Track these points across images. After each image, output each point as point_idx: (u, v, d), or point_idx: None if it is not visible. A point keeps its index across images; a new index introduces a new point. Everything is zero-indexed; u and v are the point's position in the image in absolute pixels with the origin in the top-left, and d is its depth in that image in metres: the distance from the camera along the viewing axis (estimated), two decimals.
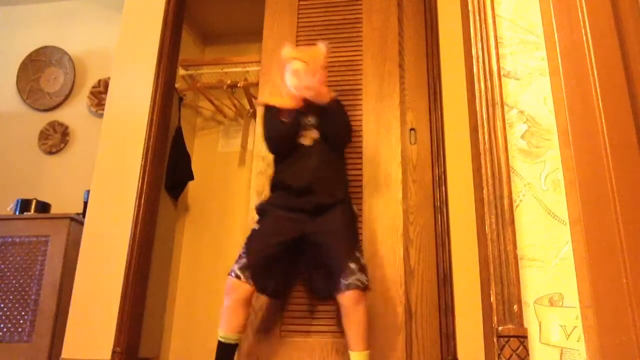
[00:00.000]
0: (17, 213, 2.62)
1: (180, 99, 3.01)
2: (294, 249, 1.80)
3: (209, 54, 3.40)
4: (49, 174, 3.12)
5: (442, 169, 1.94)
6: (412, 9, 2.30)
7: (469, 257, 1.54)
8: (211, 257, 2.97)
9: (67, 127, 3.19)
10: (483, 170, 1.40)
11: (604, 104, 1.31)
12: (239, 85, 2.95)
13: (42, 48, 3.38)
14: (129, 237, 2.09)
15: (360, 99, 2.18)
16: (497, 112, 1.44)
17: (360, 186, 2.06)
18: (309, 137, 1.86)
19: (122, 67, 2.36)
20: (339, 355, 1.84)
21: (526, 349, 1.24)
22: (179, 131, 2.93)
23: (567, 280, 1.29)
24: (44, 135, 3.20)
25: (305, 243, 1.79)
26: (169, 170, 2.77)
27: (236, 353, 1.74)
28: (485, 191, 1.38)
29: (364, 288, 1.67)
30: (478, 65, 1.49)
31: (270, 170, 2.04)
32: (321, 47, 1.91)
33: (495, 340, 1.26)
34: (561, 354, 1.25)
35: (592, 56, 1.35)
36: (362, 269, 1.69)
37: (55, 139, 3.18)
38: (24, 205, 2.64)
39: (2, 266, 2.44)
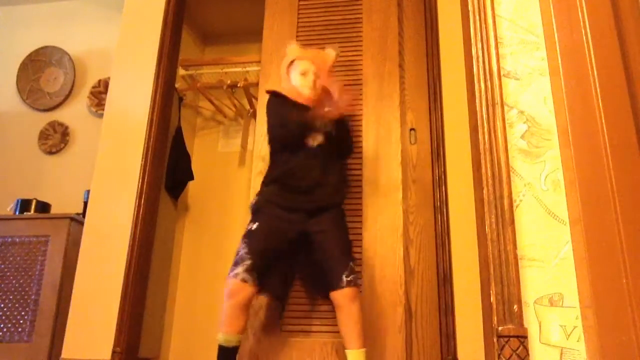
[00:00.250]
0: (17, 213, 2.62)
1: (180, 99, 3.01)
2: (293, 248, 1.81)
3: (209, 54, 3.41)
4: (49, 174, 3.12)
5: (442, 169, 1.94)
6: (412, 9, 2.30)
7: (469, 257, 1.54)
8: (211, 257, 2.97)
9: (67, 127, 3.19)
10: (483, 170, 1.40)
11: (604, 104, 1.31)
12: (239, 85, 2.95)
13: (42, 48, 3.38)
14: (129, 237, 2.09)
15: (360, 99, 2.18)
16: (497, 112, 1.44)
17: (360, 186, 2.06)
18: (316, 139, 1.84)
19: (122, 67, 2.36)
20: (339, 355, 1.84)
21: (526, 349, 1.24)
22: (179, 131, 2.94)
23: (567, 280, 1.29)
24: (44, 135, 3.20)
25: (302, 242, 1.79)
26: (169, 170, 2.77)
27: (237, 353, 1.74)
28: (485, 191, 1.38)
29: (360, 286, 1.71)
30: (478, 65, 1.49)
31: None
32: (331, 52, 1.91)
33: (495, 340, 1.26)
34: (561, 354, 1.25)
35: (592, 56, 1.35)
36: (356, 269, 1.74)
37: (55, 139, 3.18)
38: (24, 205, 2.64)
39: (2, 266, 2.44)
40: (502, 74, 1.48)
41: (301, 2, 2.36)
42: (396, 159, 2.09)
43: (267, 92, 1.94)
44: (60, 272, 2.38)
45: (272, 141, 1.91)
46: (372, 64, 2.22)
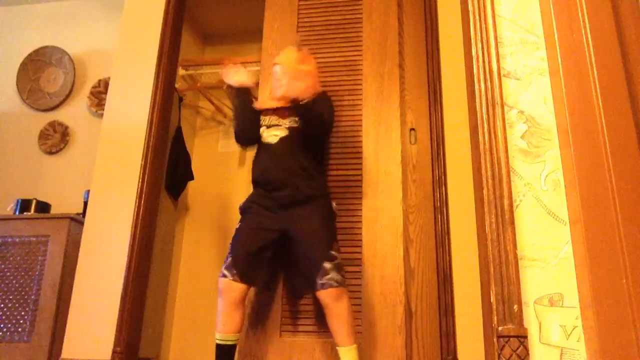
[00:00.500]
0: (17, 213, 2.62)
1: (180, 99, 3.01)
2: (279, 243, 1.82)
3: (209, 54, 3.41)
4: (49, 174, 3.12)
5: (442, 169, 1.94)
6: (412, 9, 2.30)
7: (469, 257, 1.54)
8: (211, 257, 2.97)
9: (67, 127, 3.19)
10: (483, 171, 1.40)
11: (604, 104, 1.31)
12: None
13: (42, 48, 3.38)
14: (129, 237, 2.09)
15: (360, 99, 2.18)
16: (497, 112, 1.44)
17: (360, 186, 2.06)
18: (275, 135, 1.87)
19: (122, 67, 2.36)
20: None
21: (526, 349, 1.24)
22: (179, 131, 2.94)
23: (567, 280, 1.29)
24: (44, 135, 3.20)
25: (286, 239, 1.81)
26: (169, 170, 2.78)
27: (235, 353, 1.74)
28: (485, 191, 1.38)
29: (339, 285, 1.67)
30: (478, 65, 1.49)
31: None
32: (291, 47, 1.98)
33: (495, 340, 1.26)
34: (561, 354, 1.25)
35: (592, 56, 1.35)
36: (338, 267, 1.70)
37: (55, 139, 3.18)
38: (24, 205, 2.64)
39: (2, 266, 2.44)
40: (502, 74, 1.48)
41: (301, 2, 2.36)
42: (396, 159, 2.09)
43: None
44: (60, 272, 2.38)
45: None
46: (372, 64, 2.22)
